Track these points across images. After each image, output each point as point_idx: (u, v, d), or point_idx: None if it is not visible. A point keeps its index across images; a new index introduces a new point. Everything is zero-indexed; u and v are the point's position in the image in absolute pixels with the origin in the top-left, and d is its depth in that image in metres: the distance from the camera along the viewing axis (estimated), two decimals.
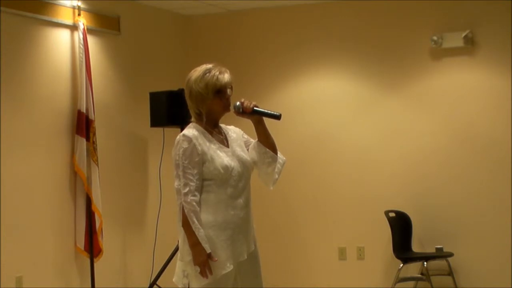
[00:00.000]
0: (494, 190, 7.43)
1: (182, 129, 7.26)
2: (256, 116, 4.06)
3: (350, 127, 7.91)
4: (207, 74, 4.02)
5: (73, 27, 6.77)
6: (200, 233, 3.88)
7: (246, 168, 4.09)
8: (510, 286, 7.30)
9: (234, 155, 4.06)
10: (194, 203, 3.91)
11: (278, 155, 4.11)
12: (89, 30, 6.85)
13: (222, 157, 4.00)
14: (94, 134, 6.71)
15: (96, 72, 6.95)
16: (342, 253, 7.91)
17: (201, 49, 8.30)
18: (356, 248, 7.87)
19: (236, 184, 4.01)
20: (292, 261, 8.09)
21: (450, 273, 7.46)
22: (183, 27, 8.34)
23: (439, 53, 7.59)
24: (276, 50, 8.17)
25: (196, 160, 3.95)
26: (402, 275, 7.39)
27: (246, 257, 4.04)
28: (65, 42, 6.74)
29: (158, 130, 7.38)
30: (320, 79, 8.06)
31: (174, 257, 7.01)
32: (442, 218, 7.59)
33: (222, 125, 4.17)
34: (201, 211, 3.94)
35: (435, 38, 7.50)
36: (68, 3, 6.72)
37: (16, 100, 6.25)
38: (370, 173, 7.82)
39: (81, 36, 6.70)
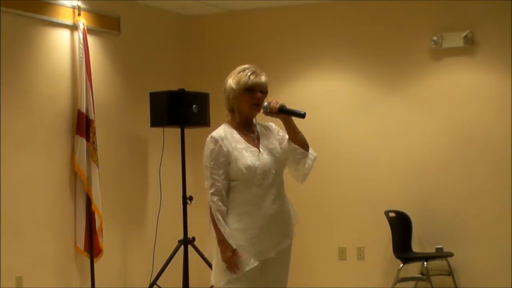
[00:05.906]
0: (494, 190, 7.43)
1: (182, 129, 7.33)
2: (283, 115, 4.16)
3: (350, 127, 7.90)
4: (242, 72, 4.23)
5: (73, 27, 6.77)
6: (226, 230, 4.01)
7: (275, 164, 4.15)
8: (510, 286, 7.30)
9: (263, 152, 4.12)
10: (220, 203, 4.03)
11: (310, 151, 4.19)
12: (89, 30, 6.85)
13: (246, 157, 4.08)
14: (94, 134, 6.71)
15: (96, 72, 6.95)
16: (342, 253, 7.91)
17: (201, 49, 8.29)
18: (356, 248, 7.86)
19: (260, 183, 4.09)
20: (292, 261, 8.05)
21: (450, 273, 7.46)
22: (183, 27, 8.34)
23: (439, 53, 7.59)
24: (276, 50, 8.16)
25: (221, 161, 4.06)
26: (402, 275, 7.39)
27: (274, 255, 4.20)
28: (65, 42, 6.74)
29: (158, 130, 7.38)
30: (320, 79, 8.06)
31: (174, 257, 7.01)
32: (442, 218, 7.58)
33: (259, 123, 4.27)
34: (228, 210, 4.05)
35: (435, 38, 7.50)
36: (68, 3, 6.73)
37: (16, 100, 6.25)
38: (370, 173, 7.82)
39: (81, 36, 6.71)
